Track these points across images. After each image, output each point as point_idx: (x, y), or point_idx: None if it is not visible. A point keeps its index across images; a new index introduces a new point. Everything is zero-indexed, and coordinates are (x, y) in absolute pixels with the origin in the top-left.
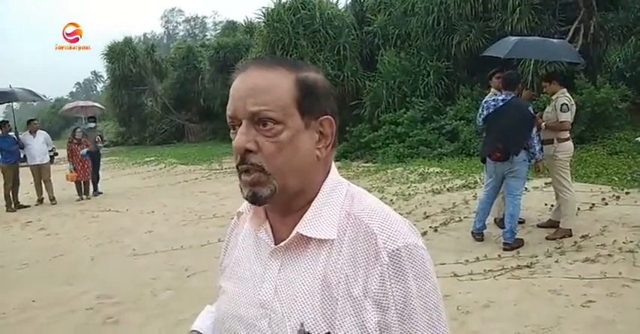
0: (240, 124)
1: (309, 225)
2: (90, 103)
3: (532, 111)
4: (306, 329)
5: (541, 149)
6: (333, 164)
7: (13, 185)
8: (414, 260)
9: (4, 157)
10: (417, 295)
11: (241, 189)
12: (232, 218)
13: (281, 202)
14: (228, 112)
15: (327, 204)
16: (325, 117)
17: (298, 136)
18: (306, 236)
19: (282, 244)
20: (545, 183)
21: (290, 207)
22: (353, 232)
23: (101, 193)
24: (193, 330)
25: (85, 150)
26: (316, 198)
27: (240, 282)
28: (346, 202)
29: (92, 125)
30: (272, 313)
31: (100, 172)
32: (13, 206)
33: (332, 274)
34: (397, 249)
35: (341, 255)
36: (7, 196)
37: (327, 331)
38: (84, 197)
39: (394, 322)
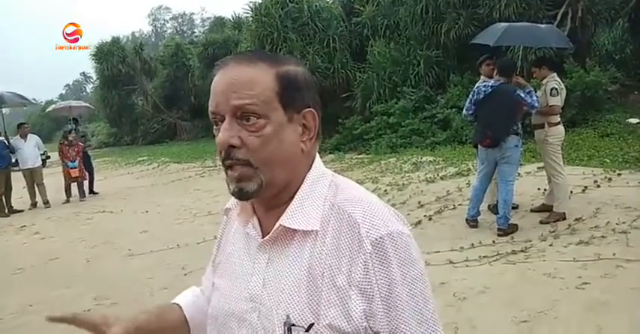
0: (223, 120)
1: (292, 217)
2: (82, 103)
3: (520, 96)
4: (292, 321)
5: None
6: (318, 156)
7: (5, 190)
8: (398, 247)
9: None
10: (401, 282)
11: (228, 185)
12: (223, 214)
13: (267, 196)
14: (211, 108)
15: (310, 196)
16: (308, 109)
17: (282, 130)
18: (290, 228)
19: (267, 237)
20: (538, 168)
21: (276, 201)
22: (336, 222)
23: (97, 193)
24: (174, 303)
25: (74, 164)
26: (299, 191)
27: (231, 278)
28: (330, 193)
29: (71, 127)
30: (261, 306)
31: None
32: (6, 211)
33: (316, 265)
34: (380, 237)
35: (325, 246)
36: None
37: (312, 322)
38: (70, 199)
39: (380, 310)
